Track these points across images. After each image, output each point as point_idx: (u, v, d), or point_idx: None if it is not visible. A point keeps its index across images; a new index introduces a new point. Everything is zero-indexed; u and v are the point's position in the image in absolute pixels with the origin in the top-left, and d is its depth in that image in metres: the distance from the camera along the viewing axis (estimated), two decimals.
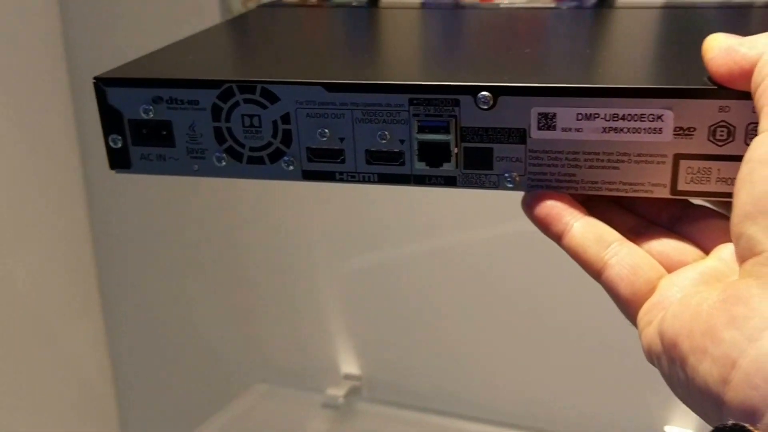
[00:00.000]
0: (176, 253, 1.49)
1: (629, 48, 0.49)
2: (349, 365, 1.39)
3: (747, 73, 0.35)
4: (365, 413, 1.35)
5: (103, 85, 0.44)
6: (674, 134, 0.37)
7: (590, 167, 0.40)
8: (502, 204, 1.20)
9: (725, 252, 0.37)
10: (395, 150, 0.42)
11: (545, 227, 0.41)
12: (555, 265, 1.23)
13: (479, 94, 0.39)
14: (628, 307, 0.39)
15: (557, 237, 0.41)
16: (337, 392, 1.34)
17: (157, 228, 1.49)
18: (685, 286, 0.36)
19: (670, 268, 0.39)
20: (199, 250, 1.48)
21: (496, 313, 1.28)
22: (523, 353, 1.29)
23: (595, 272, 0.40)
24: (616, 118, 0.38)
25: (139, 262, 1.53)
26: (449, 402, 1.33)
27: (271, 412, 1.38)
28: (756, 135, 0.33)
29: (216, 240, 1.45)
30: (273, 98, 0.42)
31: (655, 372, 0.35)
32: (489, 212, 1.21)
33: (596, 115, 0.38)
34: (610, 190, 0.40)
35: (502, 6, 0.63)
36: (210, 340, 1.52)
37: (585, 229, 0.40)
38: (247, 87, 0.42)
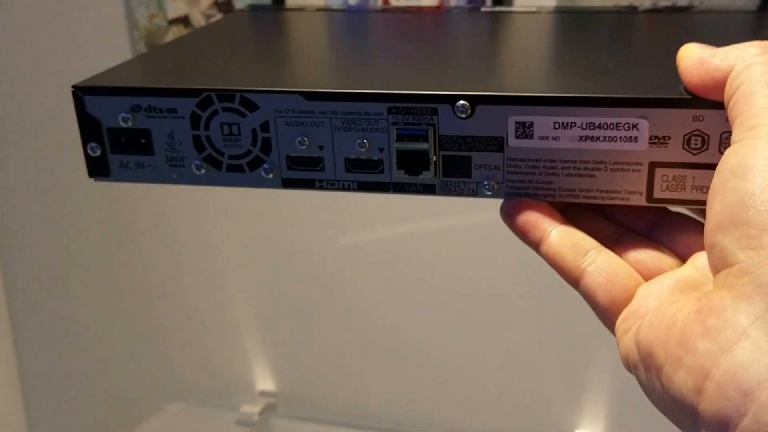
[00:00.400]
0: (84, 272, 1.46)
1: (597, 54, 0.50)
2: (265, 382, 1.38)
3: (720, 84, 0.36)
4: (281, 429, 1.34)
5: (81, 93, 0.44)
6: (649, 143, 0.39)
7: (567, 175, 0.41)
8: (419, 206, 1.22)
9: (701, 260, 0.38)
10: (374, 158, 0.42)
11: (523, 235, 0.42)
12: (468, 278, 1.26)
13: (457, 103, 0.40)
14: (606, 314, 0.40)
15: (535, 245, 0.42)
16: (252, 409, 1.33)
17: (63, 246, 1.45)
18: (661, 294, 0.37)
19: (647, 275, 0.40)
20: (108, 270, 1.45)
21: (411, 326, 1.30)
22: (435, 367, 1.31)
23: (573, 280, 0.41)
24: (592, 127, 0.39)
25: (45, 284, 1.48)
26: (366, 416, 1.33)
27: (185, 431, 1.36)
28: (729, 145, 0.34)
29: (125, 259, 1.43)
30: (252, 107, 0.42)
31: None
32: (403, 215, 1.23)
33: (573, 124, 0.39)
34: (587, 197, 0.41)
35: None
36: (122, 361, 1.49)
37: (562, 237, 0.41)
38: (226, 96, 0.42)
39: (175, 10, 1.25)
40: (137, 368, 1.48)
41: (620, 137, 0.39)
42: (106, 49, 1.32)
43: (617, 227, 0.43)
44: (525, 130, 0.40)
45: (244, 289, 1.35)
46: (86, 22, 1.32)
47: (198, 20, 1.24)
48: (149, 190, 1.36)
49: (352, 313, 1.30)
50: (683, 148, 0.39)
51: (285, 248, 1.31)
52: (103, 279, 1.45)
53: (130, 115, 0.43)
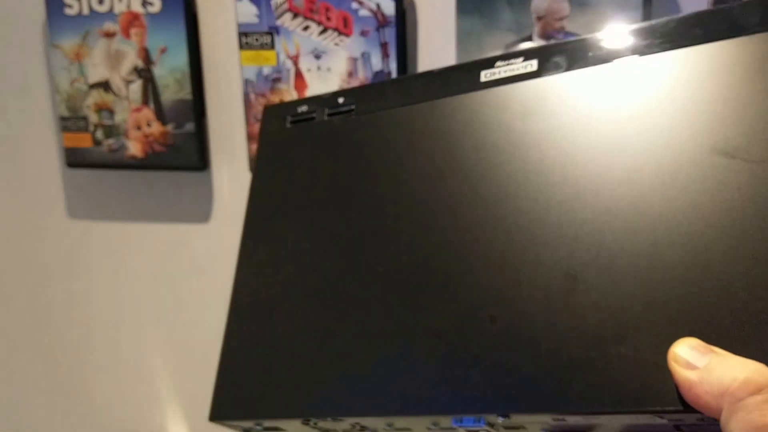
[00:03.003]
0: None
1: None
2: (178, 429, 1.42)
3: (711, 412, 0.38)
4: None
5: (218, 418, 0.57)
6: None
7: None
8: None
9: None
10: None
11: None
12: None
13: None
14: None
15: None
16: None
17: None
18: None
19: None
20: (17, 323, 1.45)
21: None
22: None
23: None
24: None
25: None
26: None
27: None
28: None
29: (36, 314, 1.44)
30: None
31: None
32: None
33: None
34: None
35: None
36: (33, 415, 1.50)
37: None
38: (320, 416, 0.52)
39: (95, 75, 1.25)
40: (48, 419, 1.49)
41: None
42: (29, 112, 1.33)
43: None
44: None
45: (159, 341, 1.39)
46: (8, 84, 1.32)
47: (118, 85, 1.25)
48: (76, 245, 1.37)
49: None
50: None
51: (199, 298, 1.35)
52: (9, 333, 1.46)
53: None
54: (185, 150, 1.24)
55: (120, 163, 1.27)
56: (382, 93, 0.61)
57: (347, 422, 0.51)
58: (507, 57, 0.55)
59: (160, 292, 1.36)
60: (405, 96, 0.59)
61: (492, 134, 0.53)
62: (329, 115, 0.63)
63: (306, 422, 0.52)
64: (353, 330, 0.53)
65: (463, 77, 0.57)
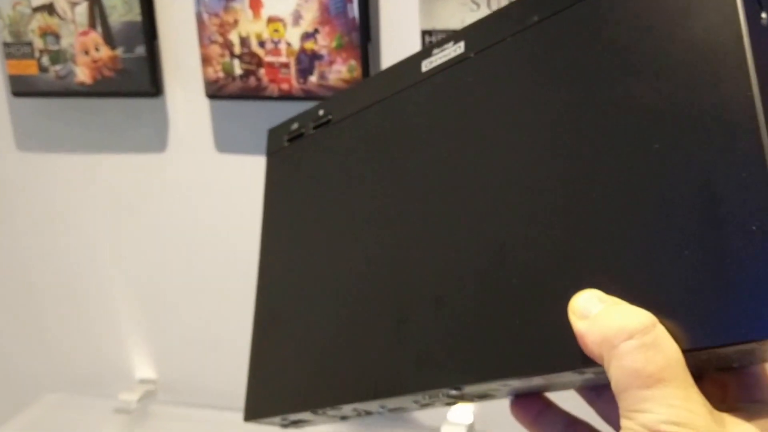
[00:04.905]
0: None
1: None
2: (144, 369, 1.39)
3: (600, 360, 0.39)
4: (159, 415, 1.36)
5: (252, 418, 0.64)
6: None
7: None
8: None
9: None
10: None
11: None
12: None
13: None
14: None
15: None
16: (131, 397, 1.34)
17: None
18: None
19: None
20: None
21: None
22: None
23: None
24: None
25: None
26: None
27: (62, 420, 1.36)
28: None
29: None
30: None
31: None
32: None
33: None
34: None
35: None
36: None
37: None
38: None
39: None
40: (10, 358, 1.46)
41: None
42: None
43: None
44: None
45: (121, 276, 1.35)
46: None
47: (63, 8, 1.19)
48: (28, 177, 1.32)
49: (228, 299, 1.32)
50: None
51: (163, 235, 1.31)
52: None
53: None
54: (137, 75, 1.18)
55: (68, 91, 1.21)
56: (351, 98, 0.62)
57: (346, 408, 0.55)
58: (440, 44, 0.55)
59: (117, 224, 1.32)
60: (368, 97, 0.60)
61: (428, 124, 0.55)
62: (313, 128, 0.66)
63: (315, 412, 0.57)
64: (336, 327, 0.57)
65: (408, 71, 0.58)
